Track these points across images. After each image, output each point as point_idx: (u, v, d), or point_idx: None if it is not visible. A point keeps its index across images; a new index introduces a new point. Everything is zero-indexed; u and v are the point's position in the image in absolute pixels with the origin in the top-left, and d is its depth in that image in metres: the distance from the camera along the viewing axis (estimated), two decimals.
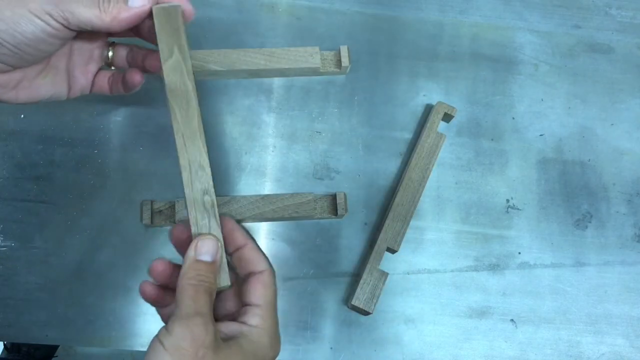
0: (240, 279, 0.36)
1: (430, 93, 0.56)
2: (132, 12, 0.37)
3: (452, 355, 0.49)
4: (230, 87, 0.54)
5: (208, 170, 0.39)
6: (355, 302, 0.47)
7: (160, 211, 0.49)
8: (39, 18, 0.35)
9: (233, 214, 0.49)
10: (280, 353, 0.48)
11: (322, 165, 0.53)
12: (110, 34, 0.42)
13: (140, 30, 0.40)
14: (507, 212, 0.53)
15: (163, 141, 0.51)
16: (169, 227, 0.48)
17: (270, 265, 0.36)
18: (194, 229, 0.35)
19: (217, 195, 0.46)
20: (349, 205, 0.51)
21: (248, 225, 0.50)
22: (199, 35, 0.54)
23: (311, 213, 0.50)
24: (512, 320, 0.51)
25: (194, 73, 0.41)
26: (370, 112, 0.55)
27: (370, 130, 0.54)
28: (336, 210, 0.50)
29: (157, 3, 0.38)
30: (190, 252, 0.33)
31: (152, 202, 0.49)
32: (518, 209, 0.54)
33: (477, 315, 0.50)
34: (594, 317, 0.51)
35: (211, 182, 0.39)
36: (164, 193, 0.50)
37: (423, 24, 0.58)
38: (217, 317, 0.36)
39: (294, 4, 0.57)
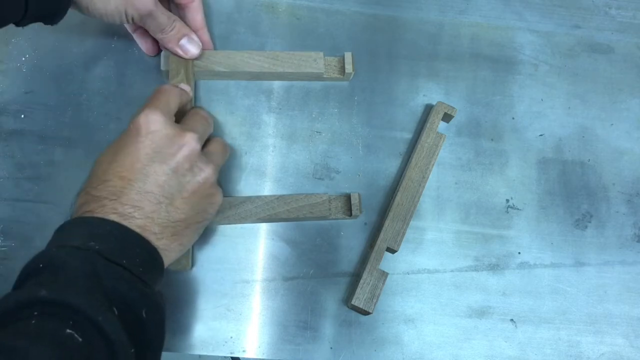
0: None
1: (430, 93, 0.56)
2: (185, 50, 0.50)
3: (452, 355, 0.49)
4: (230, 87, 0.54)
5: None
6: (355, 302, 0.47)
7: None
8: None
9: (248, 214, 0.49)
10: (281, 353, 0.48)
11: (322, 165, 0.53)
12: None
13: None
14: (507, 212, 0.54)
15: None
16: None
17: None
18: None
19: (229, 196, 0.48)
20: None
21: (250, 225, 0.50)
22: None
23: (326, 213, 0.49)
24: (512, 320, 0.51)
25: (194, 74, 0.51)
26: (370, 112, 0.55)
27: (370, 130, 0.54)
28: (351, 210, 0.50)
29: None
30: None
31: None
32: (518, 209, 0.54)
33: (477, 315, 0.51)
34: (594, 317, 0.51)
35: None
36: None
37: (423, 24, 0.58)
38: None
39: (294, 4, 0.57)
